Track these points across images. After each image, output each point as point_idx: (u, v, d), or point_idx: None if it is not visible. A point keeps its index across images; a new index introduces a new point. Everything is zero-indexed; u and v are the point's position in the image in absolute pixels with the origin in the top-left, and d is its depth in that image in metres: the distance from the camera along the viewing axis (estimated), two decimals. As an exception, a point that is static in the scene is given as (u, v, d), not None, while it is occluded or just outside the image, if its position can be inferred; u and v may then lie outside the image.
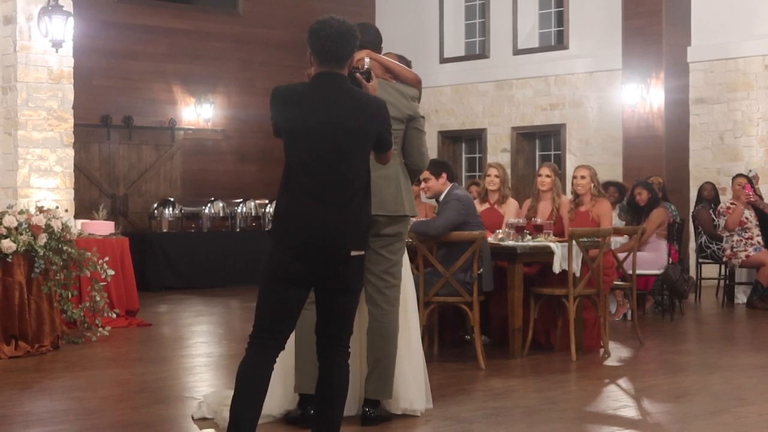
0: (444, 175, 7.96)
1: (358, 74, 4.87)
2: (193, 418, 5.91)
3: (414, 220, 8.24)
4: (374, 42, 5.85)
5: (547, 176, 9.12)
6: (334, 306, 4.43)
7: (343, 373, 4.47)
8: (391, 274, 5.76)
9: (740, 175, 12.70)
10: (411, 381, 5.90)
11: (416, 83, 5.92)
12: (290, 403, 5.77)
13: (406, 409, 5.88)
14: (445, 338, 8.63)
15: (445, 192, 7.93)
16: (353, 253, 4.37)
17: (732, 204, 12.18)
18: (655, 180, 12.36)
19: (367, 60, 5.70)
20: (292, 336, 5.44)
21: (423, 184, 8.12)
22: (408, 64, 6.24)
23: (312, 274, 4.36)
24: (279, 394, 5.71)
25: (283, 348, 4.45)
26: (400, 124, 5.71)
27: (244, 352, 4.43)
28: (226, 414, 4.56)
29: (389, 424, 5.74)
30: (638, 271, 9.39)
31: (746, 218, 12.06)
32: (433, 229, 7.75)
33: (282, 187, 4.42)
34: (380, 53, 5.92)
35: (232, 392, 4.74)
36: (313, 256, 4.33)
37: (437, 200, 8.08)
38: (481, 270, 7.73)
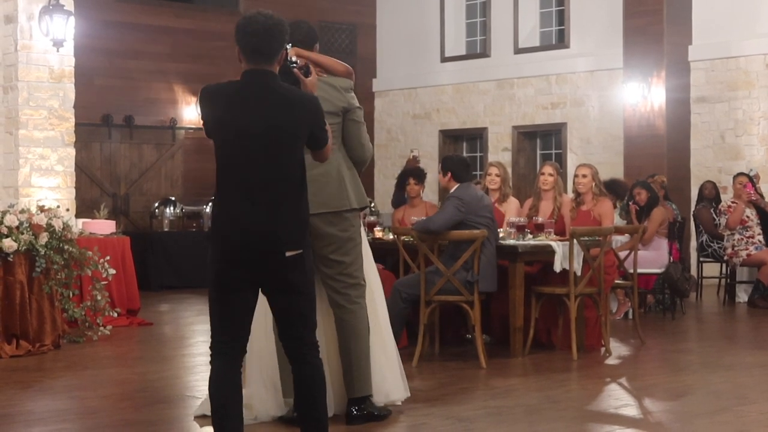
0: (448, 174, 7.96)
1: (295, 69, 4.71)
2: (194, 416, 5.92)
3: (415, 219, 8.27)
4: (304, 40, 5.77)
5: (550, 175, 9.13)
6: (286, 307, 4.33)
7: (317, 370, 4.39)
8: (347, 275, 5.70)
9: (741, 173, 12.69)
10: (386, 373, 5.91)
11: (347, 74, 5.81)
12: (280, 409, 5.77)
13: (384, 402, 5.87)
14: (446, 337, 8.63)
15: (452, 190, 7.94)
16: (289, 254, 4.24)
17: (733, 203, 12.18)
18: (658, 179, 12.36)
19: (293, 57, 5.68)
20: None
21: (425, 203, 8.17)
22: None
23: (252, 278, 4.26)
24: (280, 400, 5.72)
25: (245, 351, 4.38)
26: (335, 118, 5.66)
27: (210, 353, 4.37)
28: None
29: (388, 423, 5.74)
30: (639, 270, 9.39)
31: (747, 217, 12.06)
32: (432, 225, 7.76)
33: (216, 190, 4.34)
34: (314, 51, 5.84)
35: None
36: (248, 259, 4.23)
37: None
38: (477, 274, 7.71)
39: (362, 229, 6.02)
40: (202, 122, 4.40)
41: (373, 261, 6.13)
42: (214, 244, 4.28)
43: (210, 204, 15.20)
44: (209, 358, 4.37)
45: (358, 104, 5.85)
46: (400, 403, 6.00)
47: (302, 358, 4.38)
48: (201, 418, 5.85)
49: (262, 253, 4.23)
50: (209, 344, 4.36)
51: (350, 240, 5.73)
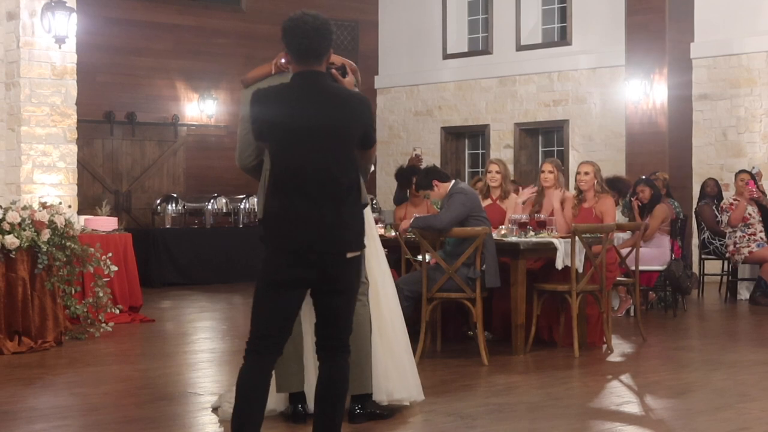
0: (434, 183, 7.99)
1: (333, 70, 4.79)
2: (211, 408, 5.93)
3: (417, 215, 8.27)
4: None
5: (550, 172, 9.13)
6: (333, 307, 4.34)
7: (344, 373, 4.39)
8: None
9: (743, 171, 12.69)
10: (391, 372, 5.87)
11: (351, 71, 5.83)
12: (280, 403, 5.75)
13: (385, 400, 5.82)
14: (447, 334, 8.64)
15: (449, 188, 7.95)
16: (350, 255, 4.27)
17: (735, 200, 12.18)
18: (660, 176, 12.36)
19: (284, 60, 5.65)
20: None
21: (426, 201, 8.18)
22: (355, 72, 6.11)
23: (310, 278, 4.27)
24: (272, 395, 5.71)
25: (281, 353, 4.35)
26: None
27: (246, 348, 4.38)
28: (227, 408, 4.50)
29: (390, 420, 5.74)
30: (641, 267, 9.39)
31: (749, 214, 12.05)
32: (439, 222, 7.75)
33: (270, 191, 4.32)
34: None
35: None
36: (310, 259, 4.23)
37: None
38: (485, 266, 7.73)
39: (372, 226, 5.97)
40: (251, 125, 4.39)
41: (386, 260, 6.11)
42: (274, 244, 4.27)
43: (212, 201, 15.20)
44: (243, 353, 4.33)
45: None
46: (407, 404, 5.95)
47: (333, 360, 4.37)
48: (204, 415, 5.86)
49: (326, 254, 4.24)
50: (246, 340, 4.33)
51: None
